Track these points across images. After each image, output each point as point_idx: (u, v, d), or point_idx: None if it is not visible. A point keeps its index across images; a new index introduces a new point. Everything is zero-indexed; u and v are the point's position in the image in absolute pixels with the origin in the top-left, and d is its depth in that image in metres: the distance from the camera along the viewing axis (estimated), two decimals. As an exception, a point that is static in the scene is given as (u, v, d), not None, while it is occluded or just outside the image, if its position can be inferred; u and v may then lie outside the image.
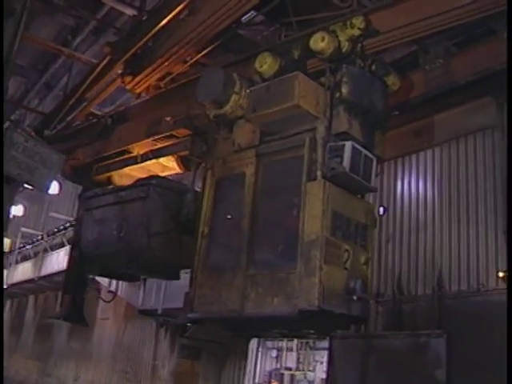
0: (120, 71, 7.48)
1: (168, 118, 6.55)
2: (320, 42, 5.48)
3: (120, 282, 15.49)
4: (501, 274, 8.10)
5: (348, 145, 5.21)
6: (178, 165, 6.84)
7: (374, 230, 5.59)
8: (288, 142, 5.48)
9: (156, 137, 6.95)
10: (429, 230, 9.48)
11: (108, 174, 7.70)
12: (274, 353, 19.97)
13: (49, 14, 12.55)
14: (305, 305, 4.83)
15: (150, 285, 15.88)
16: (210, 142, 6.45)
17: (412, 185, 10.05)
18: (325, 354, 14.44)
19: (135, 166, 7.36)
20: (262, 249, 5.42)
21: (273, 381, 19.57)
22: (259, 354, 18.26)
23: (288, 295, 5.01)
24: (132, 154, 7.35)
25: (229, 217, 5.68)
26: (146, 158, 7.12)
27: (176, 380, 17.16)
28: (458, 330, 8.29)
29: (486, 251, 8.63)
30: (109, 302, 8.20)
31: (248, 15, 6.77)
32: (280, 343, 19.72)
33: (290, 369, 19.95)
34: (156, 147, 7.03)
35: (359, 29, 5.56)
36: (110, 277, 7.80)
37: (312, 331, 6.68)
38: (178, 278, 6.87)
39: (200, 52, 6.82)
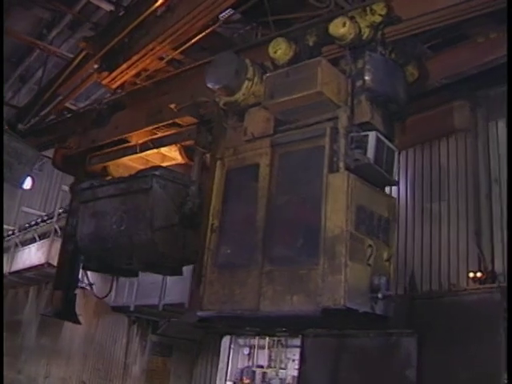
0: (96, 66, 7.23)
1: (172, 106, 6.14)
2: (341, 28, 5.14)
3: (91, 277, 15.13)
4: (471, 275, 8.03)
5: (372, 135, 4.91)
6: (181, 155, 6.41)
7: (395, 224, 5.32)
8: (307, 131, 5.13)
9: (157, 125, 6.53)
10: (401, 230, 9.34)
11: (103, 164, 7.22)
12: (246, 350, 20.18)
13: (25, 7, 12.16)
14: (329, 303, 4.50)
15: (123, 281, 15.35)
16: (217, 131, 6.09)
17: (386, 186, 9.92)
18: (297, 351, 14.43)
19: (133, 156, 6.91)
20: (279, 244, 5.06)
21: (244, 378, 19.66)
22: (231, 351, 18.37)
23: (309, 293, 4.67)
24: (130, 144, 6.90)
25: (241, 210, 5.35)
26: (145, 147, 6.66)
27: (148, 377, 16.85)
28: (429, 330, 8.18)
29: (457, 252, 8.54)
30: (102, 298, 7.78)
31: (225, 13, 6.54)
32: (252, 341, 19.73)
33: (262, 366, 20.08)
34: (157, 136, 6.61)
35: (380, 15, 5.23)
36: (107, 272, 7.33)
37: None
38: (181, 273, 6.49)
39: (177, 49, 6.57)
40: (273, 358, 20.20)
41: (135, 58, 6.58)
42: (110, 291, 7.61)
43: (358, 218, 4.73)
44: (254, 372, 20.17)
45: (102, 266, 6.59)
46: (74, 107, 9.74)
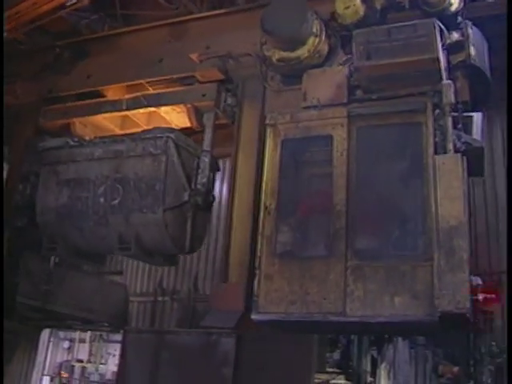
0: None
1: (194, 55, 4.68)
2: (436, -7, 4.31)
3: None
4: None
5: (478, 116, 4.17)
6: (189, 118, 4.92)
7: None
8: (397, 104, 4.17)
9: (156, 79, 4.99)
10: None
11: (65, 121, 5.35)
12: (67, 344, 18.45)
13: None
14: (451, 307, 3.61)
15: None
16: (243, 93, 4.84)
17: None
18: (118, 346, 13.38)
19: (110, 114, 5.20)
20: (367, 233, 4.04)
21: (63, 373, 18.02)
22: (50, 344, 17.26)
23: (417, 294, 3.74)
24: (110, 98, 5.18)
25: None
26: (135, 104, 5.02)
27: (-47, 374, 14.33)
28: (248, 330, 8.02)
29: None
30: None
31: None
32: (73, 334, 18.26)
33: (82, 361, 18.72)
34: (152, 92, 5.03)
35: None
36: (75, 259, 5.30)
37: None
38: (176, 263, 5.04)
39: (18, 29, 5.84)
40: (93, 352, 18.71)
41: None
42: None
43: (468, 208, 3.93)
44: (73, 366, 18.38)
45: (71, 250, 4.75)
46: None
